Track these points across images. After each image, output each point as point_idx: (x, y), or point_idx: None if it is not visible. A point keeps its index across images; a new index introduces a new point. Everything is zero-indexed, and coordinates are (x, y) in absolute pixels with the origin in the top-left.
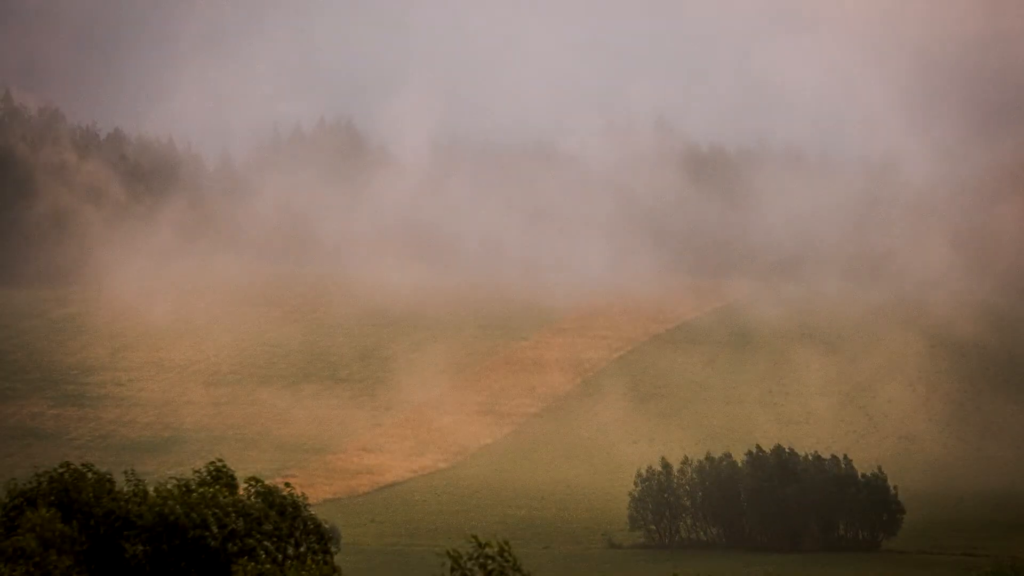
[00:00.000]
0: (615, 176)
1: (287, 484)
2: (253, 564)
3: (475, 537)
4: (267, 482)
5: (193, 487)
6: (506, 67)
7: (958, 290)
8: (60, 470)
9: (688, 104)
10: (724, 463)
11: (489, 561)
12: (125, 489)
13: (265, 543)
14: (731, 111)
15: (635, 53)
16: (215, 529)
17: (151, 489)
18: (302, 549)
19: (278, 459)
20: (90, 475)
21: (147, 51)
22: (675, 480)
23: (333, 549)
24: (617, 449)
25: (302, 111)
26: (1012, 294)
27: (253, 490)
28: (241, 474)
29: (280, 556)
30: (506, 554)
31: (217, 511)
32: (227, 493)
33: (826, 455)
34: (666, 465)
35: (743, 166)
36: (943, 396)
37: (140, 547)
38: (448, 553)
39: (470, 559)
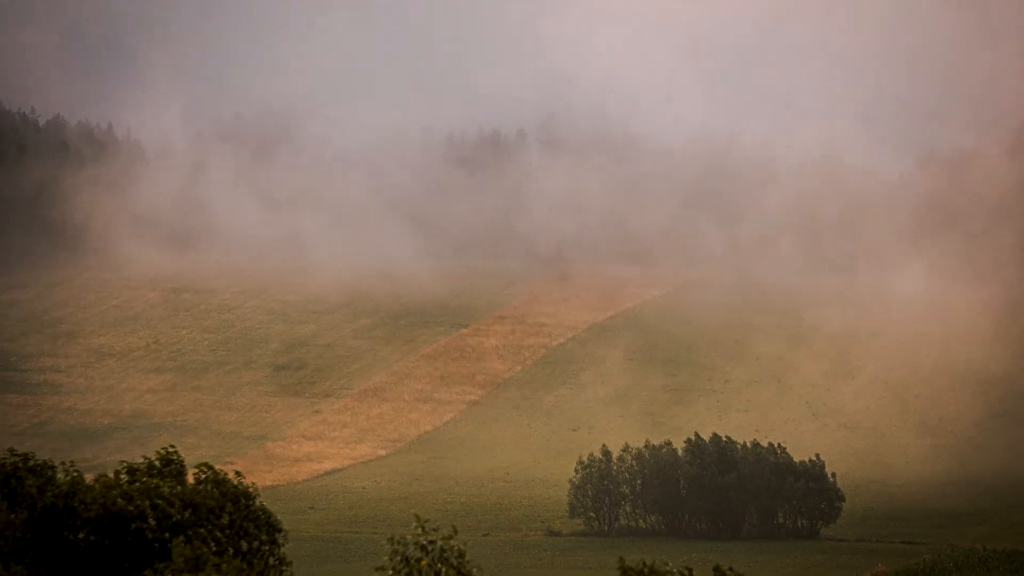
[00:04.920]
0: (381, 160)
1: (237, 473)
2: (188, 546)
3: (417, 516)
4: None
5: (141, 475)
6: (268, 49)
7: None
8: (3, 459)
9: (463, 89)
10: (664, 451)
11: (431, 545)
12: (63, 480)
13: (217, 534)
14: (501, 95)
15: (412, 30)
16: (152, 522)
17: (90, 479)
18: (255, 544)
19: (217, 446)
20: (31, 463)
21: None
22: (615, 468)
23: (281, 541)
24: (557, 436)
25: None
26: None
27: (204, 476)
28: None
29: (232, 549)
30: (453, 540)
31: (159, 502)
32: (173, 483)
33: (764, 443)
34: (606, 452)
35: (517, 150)
36: (881, 384)
37: (83, 535)
38: (391, 539)
39: (416, 545)
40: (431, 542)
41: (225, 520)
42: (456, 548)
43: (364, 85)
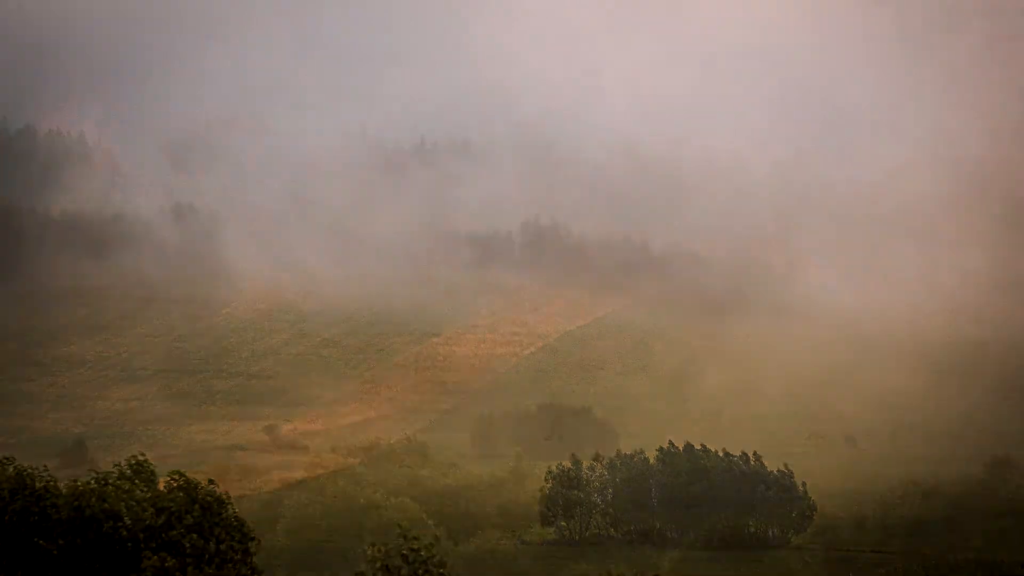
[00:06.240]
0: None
1: (211, 481)
2: (158, 557)
3: (400, 526)
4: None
5: (111, 481)
6: (190, 57)
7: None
8: None
9: (386, 96)
10: (635, 459)
11: (413, 554)
12: (38, 486)
13: (191, 535)
14: (425, 102)
15: (333, 38)
16: (128, 520)
17: (63, 486)
18: (223, 547)
19: (189, 455)
20: (11, 469)
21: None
22: (585, 476)
23: (253, 549)
24: (529, 444)
25: None
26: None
27: (175, 484)
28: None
29: (205, 554)
30: (433, 549)
31: (133, 504)
32: (144, 488)
33: (736, 453)
34: (577, 462)
35: (441, 158)
36: (854, 393)
37: (54, 541)
38: (372, 544)
39: (397, 554)
40: (414, 550)
41: (190, 521)
42: (437, 558)
43: (287, 93)
